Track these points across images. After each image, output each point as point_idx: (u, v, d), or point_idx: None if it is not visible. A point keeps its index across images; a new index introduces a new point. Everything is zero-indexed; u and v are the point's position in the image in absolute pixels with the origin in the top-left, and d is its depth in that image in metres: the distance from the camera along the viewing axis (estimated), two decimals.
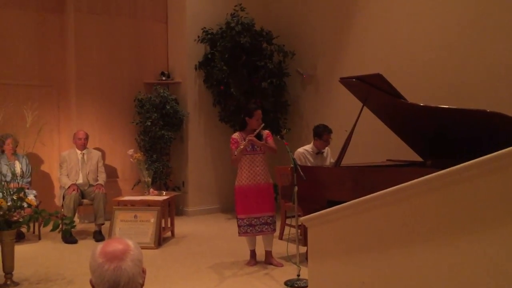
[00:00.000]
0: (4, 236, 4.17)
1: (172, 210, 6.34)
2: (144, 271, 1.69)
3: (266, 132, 4.87)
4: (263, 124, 4.75)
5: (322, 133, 5.20)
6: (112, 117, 7.53)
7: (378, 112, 4.57)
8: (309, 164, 5.19)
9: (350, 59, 6.82)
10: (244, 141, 4.68)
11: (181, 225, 6.83)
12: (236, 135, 4.83)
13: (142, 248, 1.74)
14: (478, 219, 1.99)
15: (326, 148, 5.37)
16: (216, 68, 7.27)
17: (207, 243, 5.87)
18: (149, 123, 7.29)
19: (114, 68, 7.52)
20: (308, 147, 5.33)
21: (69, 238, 5.84)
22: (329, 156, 5.41)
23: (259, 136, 4.77)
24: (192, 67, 7.62)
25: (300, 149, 5.32)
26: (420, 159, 4.68)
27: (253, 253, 4.95)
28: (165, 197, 6.09)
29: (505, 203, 1.90)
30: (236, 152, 4.63)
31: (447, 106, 3.90)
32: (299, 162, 5.08)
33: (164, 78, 7.81)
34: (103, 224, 6.12)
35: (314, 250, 2.85)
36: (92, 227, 6.33)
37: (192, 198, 7.75)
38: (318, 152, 5.29)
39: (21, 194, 4.29)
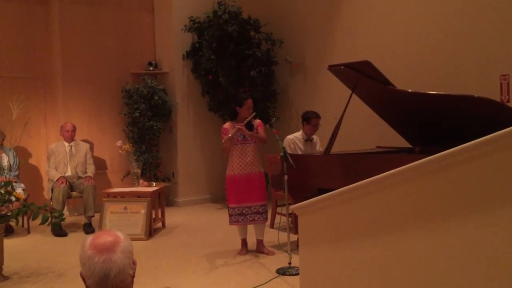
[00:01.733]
0: None
1: (162, 201, 6.34)
2: (134, 263, 1.69)
3: (257, 122, 4.87)
4: (254, 113, 4.75)
5: (310, 118, 5.25)
6: (100, 108, 7.48)
7: (367, 99, 4.57)
8: (299, 151, 5.21)
9: (339, 47, 6.81)
10: (234, 130, 4.68)
11: (172, 216, 6.83)
12: (227, 125, 4.83)
13: (132, 240, 1.74)
14: (466, 204, 2.01)
15: (315, 136, 5.40)
16: (204, 58, 7.24)
17: (198, 233, 5.88)
18: (137, 114, 7.26)
19: (101, 58, 7.46)
20: (298, 134, 5.36)
21: (59, 231, 5.82)
22: (318, 143, 5.44)
23: (250, 126, 4.77)
24: (180, 56, 7.58)
25: (290, 136, 5.35)
26: (408, 145, 4.70)
27: (244, 242, 4.97)
28: (155, 188, 6.09)
29: (492, 188, 1.93)
30: (223, 141, 4.64)
31: (435, 92, 3.92)
32: (289, 150, 5.10)
33: (151, 68, 7.77)
34: (93, 216, 6.10)
35: (305, 238, 2.87)
36: (82, 219, 6.32)
37: (182, 188, 7.75)
38: (308, 139, 5.33)
39: (9, 188, 4.25)
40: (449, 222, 2.06)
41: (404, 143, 4.78)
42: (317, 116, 5.28)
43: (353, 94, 4.41)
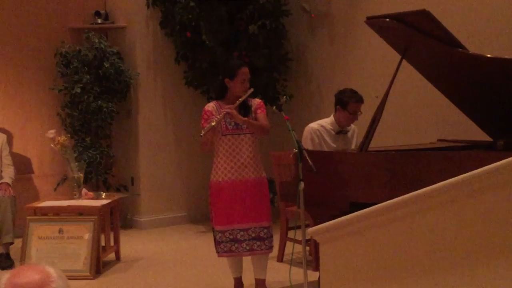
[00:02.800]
0: None
1: (116, 221, 6.33)
2: None
3: (256, 102, 4.86)
4: (251, 90, 4.74)
5: (347, 101, 5.17)
6: (22, 82, 7.46)
7: (425, 68, 4.56)
8: (325, 148, 5.20)
9: None
10: (219, 115, 4.66)
11: (130, 243, 6.83)
12: (210, 106, 4.81)
13: (70, 279, 1.74)
14: None
15: (352, 126, 5.38)
16: (179, 5, 7.21)
17: (169, 271, 5.88)
18: (78, 90, 7.24)
19: (23, 8, 7.42)
20: (326, 121, 5.32)
21: None
22: (355, 137, 5.40)
23: (245, 107, 4.77)
24: (143, 3, 7.56)
25: (314, 125, 5.31)
26: (488, 139, 4.70)
27: (238, 283, 4.97)
28: (105, 202, 6.08)
29: None
30: (202, 133, 4.60)
31: None
32: (310, 145, 5.10)
33: (100, 21, 7.75)
34: (11, 243, 6.09)
35: (330, 277, 2.87)
36: None
37: (147, 202, 7.74)
38: (341, 131, 5.29)
39: None
40: None
41: (480, 135, 4.77)
42: (358, 100, 5.19)
43: (404, 61, 4.39)
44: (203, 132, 4.59)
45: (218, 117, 4.64)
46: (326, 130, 5.28)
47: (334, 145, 5.26)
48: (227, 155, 4.76)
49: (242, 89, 4.72)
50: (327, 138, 5.27)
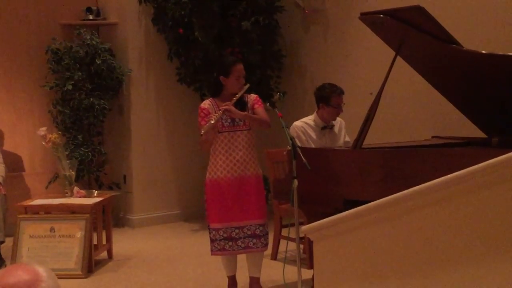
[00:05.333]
0: None
1: (108, 219, 6.33)
2: None
3: (253, 98, 4.86)
4: (247, 85, 4.74)
5: (329, 96, 5.20)
6: (12, 78, 7.45)
7: (419, 65, 4.57)
8: (311, 145, 5.20)
9: None
10: (218, 112, 4.65)
11: (123, 242, 6.82)
12: (206, 104, 4.81)
13: (62, 278, 1.73)
14: None
15: (338, 119, 5.38)
16: (171, 1, 7.20)
17: (162, 269, 5.88)
18: (70, 87, 7.23)
19: (13, 4, 7.40)
20: (309, 118, 5.33)
21: None
22: (343, 131, 5.42)
23: (242, 104, 4.76)
24: None
25: (298, 123, 5.32)
26: (482, 135, 4.71)
27: (232, 281, 4.97)
28: (97, 200, 6.07)
29: None
30: (202, 131, 4.59)
31: None
32: (298, 143, 5.09)
33: (91, 17, 7.73)
34: (2, 242, 6.09)
35: (324, 275, 2.86)
36: None
37: (139, 200, 7.73)
38: (325, 126, 5.30)
39: None
40: None
41: (474, 132, 4.77)
42: (339, 93, 5.22)
43: (398, 57, 4.39)
44: (203, 131, 4.58)
45: (217, 114, 4.62)
46: (310, 127, 5.29)
47: (320, 141, 5.26)
48: (223, 152, 4.75)
49: (237, 86, 4.72)
50: (312, 134, 5.27)
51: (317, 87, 5.36)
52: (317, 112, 5.31)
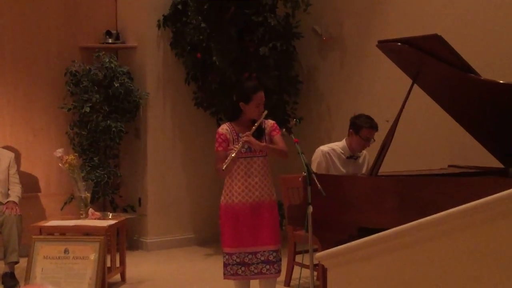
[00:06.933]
0: None
1: (122, 241, 6.32)
2: None
3: (270, 124, 4.86)
4: (265, 112, 4.73)
5: (361, 126, 5.18)
6: (32, 100, 7.49)
7: (436, 93, 4.56)
8: (334, 172, 5.19)
9: (392, 14, 6.81)
10: (237, 142, 4.66)
11: (137, 265, 6.81)
12: (224, 129, 4.81)
13: None
14: None
15: (364, 151, 5.37)
16: (190, 26, 7.25)
17: None
18: (87, 109, 7.27)
19: (35, 27, 7.47)
20: (338, 145, 5.32)
21: None
22: (366, 163, 5.39)
23: (259, 130, 4.75)
24: (154, 24, 7.59)
25: (324, 147, 5.31)
26: (499, 165, 4.68)
27: None
28: (111, 222, 6.07)
29: None
30: (224, 166, 4.56)
31: None
32: (319, 168, 5.09)
33: (110, 41, 7.78)
34: (17, 262, 6.09)
35: None
36: (1, 267, 6.31)
37: (153, 223, 7.73)
38: (351, 156, 5.28)
39: None
40: None
41: (491, 161, 4.75)
42: (373, 127, 5.18)
43: (415, 85, 4.40)
44: (224, 166, 4.56)
45: (237, 147, 4.63)
46: (337, 154, 5.28)
47: (343, 170, 5.25)
48: (239, 178, 4.76)
49: (256, 113, 4.72)
50: (337, 162, 5.25)
51: (355, 115, 5.35)
52: (346, 139, 5.30)
